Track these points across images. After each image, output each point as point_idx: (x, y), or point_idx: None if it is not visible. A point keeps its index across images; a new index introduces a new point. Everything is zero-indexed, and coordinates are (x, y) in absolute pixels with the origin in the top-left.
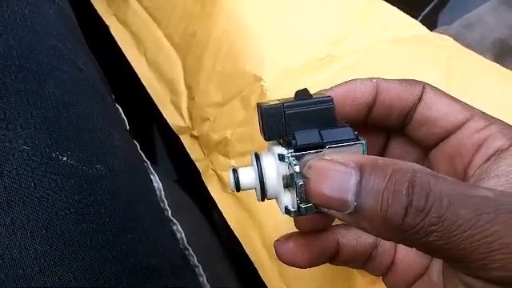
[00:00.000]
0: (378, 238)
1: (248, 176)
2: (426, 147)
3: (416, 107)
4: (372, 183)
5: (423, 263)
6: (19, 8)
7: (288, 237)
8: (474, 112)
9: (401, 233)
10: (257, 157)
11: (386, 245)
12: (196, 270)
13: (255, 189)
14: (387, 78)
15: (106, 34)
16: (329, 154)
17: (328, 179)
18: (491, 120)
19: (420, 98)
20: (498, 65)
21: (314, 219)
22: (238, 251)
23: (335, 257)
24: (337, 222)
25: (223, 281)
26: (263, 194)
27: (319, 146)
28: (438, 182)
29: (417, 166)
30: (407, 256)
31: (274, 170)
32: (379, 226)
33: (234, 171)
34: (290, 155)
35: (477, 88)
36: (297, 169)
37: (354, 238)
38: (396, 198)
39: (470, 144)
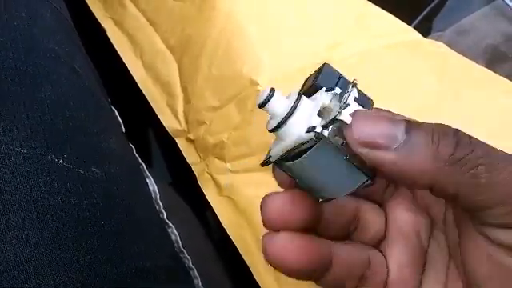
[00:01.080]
0: (371, 256)
1: (280, 101)
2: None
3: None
4: (420, 128)
5: (415, 282)
6: (16, 11)
7: (274, 233)
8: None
9: (450, 163)
10: (299, 95)
11: (378, 263)
12: (191, 272)
13: (272, 117)
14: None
15: (102, 37)
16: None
17: (375, 122)
18: None
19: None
20: (490, 71)
21: (288, 210)
22: (233, 254)
23: (327, 270)
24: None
25: (218, 283)
26: (279, 124)
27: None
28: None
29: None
30: (399, 275)
31: (306, 113)
32: (428, 160)
33: (273, 90)
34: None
35: (469, 93)
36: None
37: (349, 253)
38: (445, 136)
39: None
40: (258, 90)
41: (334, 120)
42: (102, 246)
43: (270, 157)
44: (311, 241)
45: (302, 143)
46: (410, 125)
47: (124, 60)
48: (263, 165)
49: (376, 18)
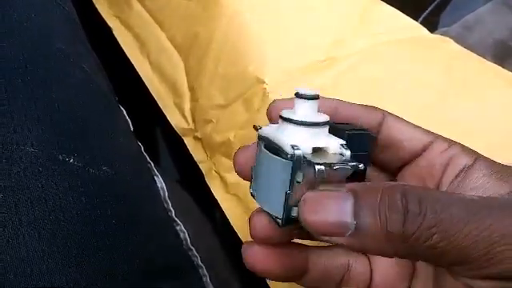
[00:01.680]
0: (351, 261)
1: (314, 112)
2: (390, 171)
3: (379, 130)
4: (367, 202)
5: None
6: (25, 12)
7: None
8: (434, 135)
9: (404, 241)
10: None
11: (359, 268)
12: (199, 270)
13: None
14: (387, 79)
15: (109, 36)
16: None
17: (324, 208)
18: (451, 142)
19: (381, 124)
20: (499, 66)
21: (270, 228)
22: (241, 252)
23: (304, 274)
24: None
25: (226, 281)
26: (296, 121)
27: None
28: (426, 191)
29: (403, 183)
30: (385, 281)
31: (313, 135)
32: (382, 240)
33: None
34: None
35: (477, 89)
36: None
37: (325, 258)
38: (392, 209)
39: (437, 164)
40: (265, 89)
41: (312, 163)
42: (112, 244)
43: (260, 127)
44: (286, 249)
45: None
46: (357, 203)
47: (130, 59)
48: (254, 128)
49: (381, 14)
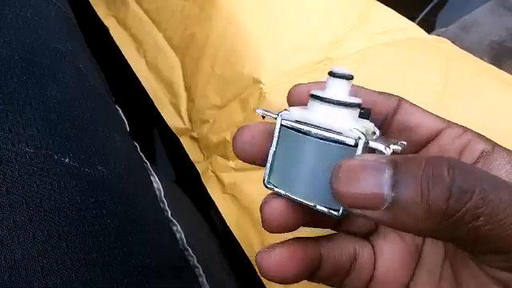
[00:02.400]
0: (358, 249)
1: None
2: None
3: (393, 117)
4: (408, 172)
5: (405, 277)
6: (21, 11)
7: (272, 246)
8: (448, 122)
9: (445, 219)
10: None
11: (365, 256)
12: (196, 270)
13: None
14: (384, 80)
15: (105, 36)
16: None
17: (360, 178)
18: (465, 128)
19: (396, 109)
20: (495, 67)
21: (285, 216)
22: (238, 252)
23: (317, 270)
24: (317, 232)
25: (223, 281)
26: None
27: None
28: (474, 168)
29: (448, 156)
30: (388, 269)
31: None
32: (421, 216)
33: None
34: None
35: (474, 90)
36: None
37: (336, 249)
38: (437, 181)
39: (452, 149)
40: (261, 89)
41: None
42: (108, 244)
43: (277, 113)
44: (301, 251)
45: (335, 133)
46: (397, 175)
47: (127, 59)
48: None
49: (378, 14)
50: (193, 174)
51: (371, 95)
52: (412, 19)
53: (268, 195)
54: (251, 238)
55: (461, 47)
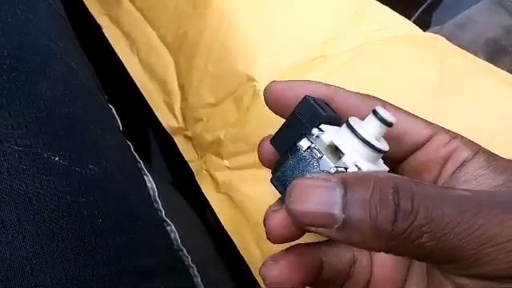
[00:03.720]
0: (356, 254)
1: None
2: (389, 163)
3: None
4: (357, 194)
5: (400, 278)
6: (10, 7)
7: (275, 258)
8: (436, 127)
9: (392, 239)
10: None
11: (363, 261)
12: (190, 270)
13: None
14: (379, 77)
15: (99, 34)
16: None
17: (312, 196)
18: (453, 135)
19: None
20: (491, 64)
21: (289, 227)
22: (232, 251)
23: (319, 276)
24: (318, 237)
25: (218, 281)
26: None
27: None
28: (419, 187)
29: (396, 175)
30: (383, 272)
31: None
32: (370, 236)
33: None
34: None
35: (469, 87)
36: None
37: (335, 255)
38: (383, 205)
39: (437, 158)
40: (255, 87)
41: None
42: (100, 244)
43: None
44: (304, 260)
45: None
46: (347, 196)
47: (120, 57)
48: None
49: (373, 11)
50: (188, 173)
51: (352, 99)
52: (408, 17)
53: (269, 209)
54: (246, 237)
55: (456, 45)
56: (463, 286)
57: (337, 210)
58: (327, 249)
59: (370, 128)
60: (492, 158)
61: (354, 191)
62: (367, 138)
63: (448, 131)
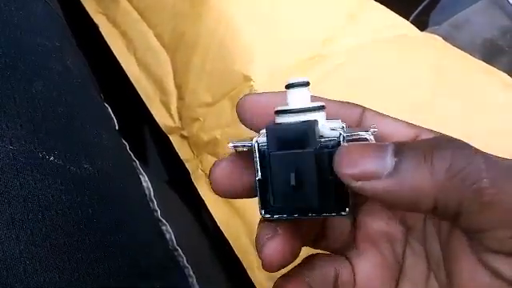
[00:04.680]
0: (338, 268)
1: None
2: None
3: (359, 125)
4: (411, 146)
5: None
6: (5, 5)
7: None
8: (418, 128)
9: (449, 178)
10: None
11: (344, 275)
12: (185, 270)
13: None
14: (375, 78)
15: (95, 33)
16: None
17: (360, 150)
18: (437, 134)
19: (360, 120)
20: (488, 65)
21: (285, 253)
22: (228, 251)
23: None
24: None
25: (213, 282)
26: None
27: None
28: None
29: None
30: (367, 284)
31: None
32: (425, 178)
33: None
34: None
35: (466, 87)
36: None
37: (319, 275)
38: (439, 149)
39: None
40: (251, 86)
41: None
42: (95, 243)
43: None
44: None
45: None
46: (399, 146)
47: (117, 56)
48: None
49: (370, 12)
50: (183, 172)
51: (331, 106)
52: (405, 18)
53: (263, 237)
54: (241, 238)
55: (453, 45)
56: (497, 270)
57: (389, 156)
58: (311, 272)
59: (298, 99)
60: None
61: (406, 145)
62: (304, 106)
63: (431, 131)
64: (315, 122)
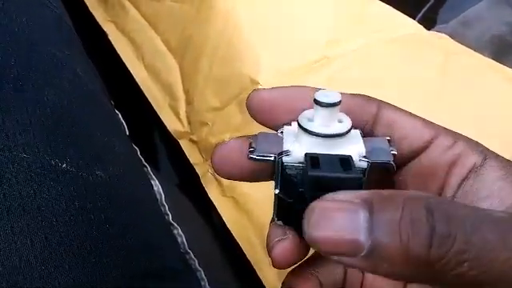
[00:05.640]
0: (348, 274)
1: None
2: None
3: (374, 126)
4: (385, 216)
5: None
6: (17, 17)
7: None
8: (437, 129)
9: (428, 267)
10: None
11: (353, 276)
12: (197, 274)
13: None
14: (382, 78)
15: (104, 40)
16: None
17: (334, 221)
18: (456, 136)
19: (375, 118)
20: (495, 62)
21: (295, 253)
22: (239, 254)
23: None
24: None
25: (225, 284)
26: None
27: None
28: (453, 206)
29: (427, 193)
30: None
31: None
32: (401, 265)
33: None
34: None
35: (473, 85)
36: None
37: (331, 272)
38: (416, 228)
39: (441, 163)
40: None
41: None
42: (108, 248)
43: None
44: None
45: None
46: (373, 218)
47: (126, 63)
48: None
49: (377, 12)
50: (193, 177)
51: (345, 100)
52: (413, 16)
53: (273, 238)
54: (252, 240)
55: (462, 43)
56: None
57: (362, 236)
58: (322, 269)
59: (316, 116)
60: (505, 164)
61: (381, 212)
62: (305, 126)
63: (449, 132)
64: (359, 174)
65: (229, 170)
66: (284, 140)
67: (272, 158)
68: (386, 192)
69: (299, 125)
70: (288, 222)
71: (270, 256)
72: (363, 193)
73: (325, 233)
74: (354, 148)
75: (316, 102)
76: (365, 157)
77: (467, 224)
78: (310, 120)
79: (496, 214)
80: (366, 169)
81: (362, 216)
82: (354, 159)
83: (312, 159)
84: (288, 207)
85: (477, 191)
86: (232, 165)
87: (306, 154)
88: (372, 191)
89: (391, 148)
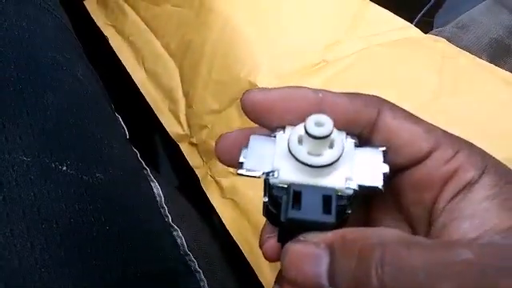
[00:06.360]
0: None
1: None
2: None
3: (371, 132)
4: (342, 265)
5: None
6: (17, 21)
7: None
8: (439, 138)
9: None
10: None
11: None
12: (197, 275)
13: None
14: (379, 81)
15: (104, 44)
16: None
17: (302, 265)
18: (458, 145)
19: (375, 122)
20: (492, 65)
21: None
22: (239, 256)
23: None
24: None
25: (223, 285)
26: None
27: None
28: (410, 254)
29: (388, 237)
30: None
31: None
32: None
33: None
34: None
35: (470, 88)
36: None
37: None
38: (367, 279)
39: (437, 177)
40: None
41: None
42: (107, 250)
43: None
44: None
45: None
46: (332, 265)
47: (126, 67)
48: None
49: (374, 15)
50: (193, 179)
51: (340, 99)
52: (410, 20)
53: (264, 234)
54: (251, 241)
55: (459, 46)
56: None
57: (324, 280)
58: None
59: (305, 143)
60: (499, 182)
61: (340, 260)
62: (294, 151)
63: (451, 141)
64: (333, 219)
65: (231, 158)
66: (276, 148)
67: (259, 175)
68: (350, 235)
69: (289, 148)
70: (274, 224)
71: (261, 249)
72: (329, 236)
73: (296, 275)
74: (342, 173)
75: (306, 131)
76: (352, 182)
77: (421, 276)
78: (301, 141)
79: (458, 256)
80: (351, 195)
81: (325, 262)
82: (339, 189)
83: (295, 194)
84: (274, 215)
85: (462, 209)
86: (235, 154)
87: (289, 186)
88: (337, 234)
89: (384, 165)
